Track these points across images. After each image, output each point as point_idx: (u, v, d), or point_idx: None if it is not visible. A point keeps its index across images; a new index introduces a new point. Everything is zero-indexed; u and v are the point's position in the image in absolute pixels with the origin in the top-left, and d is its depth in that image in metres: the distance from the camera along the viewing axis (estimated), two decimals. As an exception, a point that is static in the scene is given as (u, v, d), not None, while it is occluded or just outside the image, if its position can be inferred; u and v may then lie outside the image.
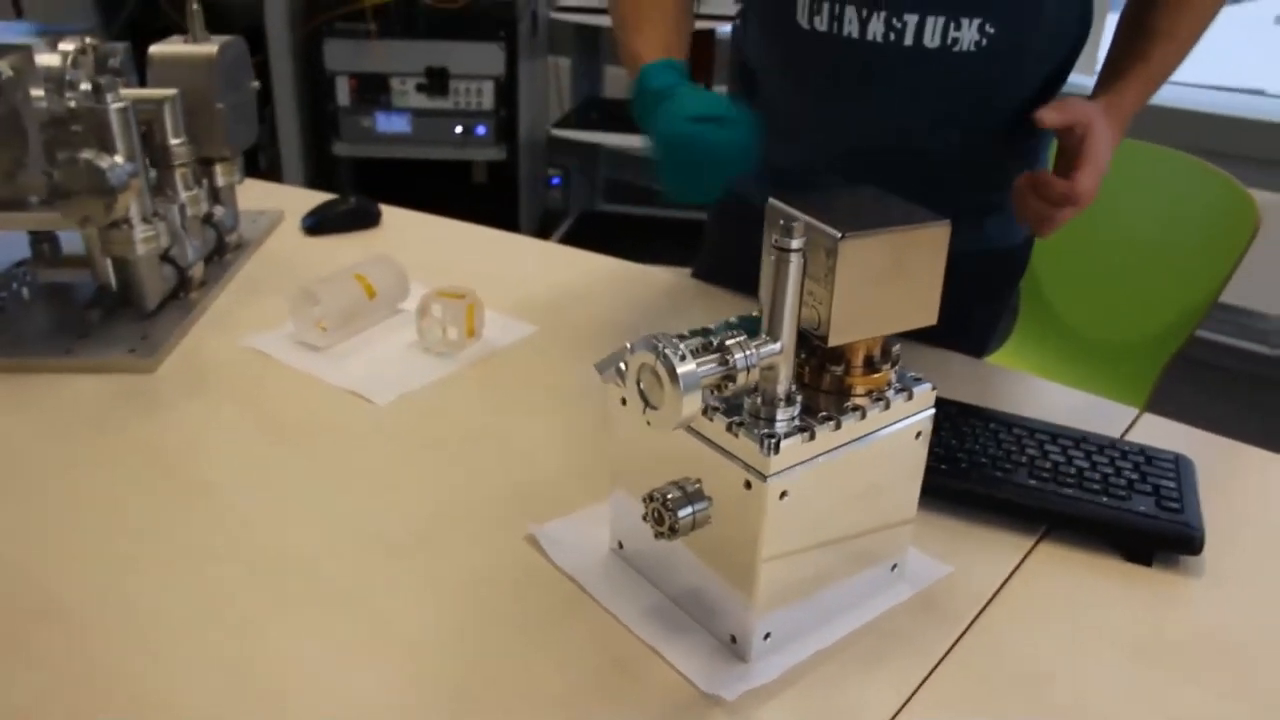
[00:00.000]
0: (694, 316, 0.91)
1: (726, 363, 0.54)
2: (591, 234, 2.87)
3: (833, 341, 0.57)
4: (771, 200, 0.59)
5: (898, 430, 0.62)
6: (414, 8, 2.45)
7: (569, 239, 2.82)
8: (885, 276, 0.58)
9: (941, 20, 0.93)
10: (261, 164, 2.71)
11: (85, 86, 1.01)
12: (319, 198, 1.37)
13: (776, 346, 0.56)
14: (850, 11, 0.95)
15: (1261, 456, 0.86)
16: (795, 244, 0.54)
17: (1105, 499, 0.73)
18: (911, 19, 0.93)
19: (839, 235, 0.55)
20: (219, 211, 1.17)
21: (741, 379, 0.55)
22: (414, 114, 2.58)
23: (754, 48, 1.11)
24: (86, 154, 0.93)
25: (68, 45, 1.02)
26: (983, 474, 0.76)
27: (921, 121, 1.00)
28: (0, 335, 1.00)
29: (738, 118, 0.84)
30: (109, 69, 1.08)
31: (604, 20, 2.62)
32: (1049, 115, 0.90)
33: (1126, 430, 0.89)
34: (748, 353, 0.54)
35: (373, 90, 2.57)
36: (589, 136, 2.60)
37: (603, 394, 0.65)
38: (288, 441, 0.83)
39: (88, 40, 1.05)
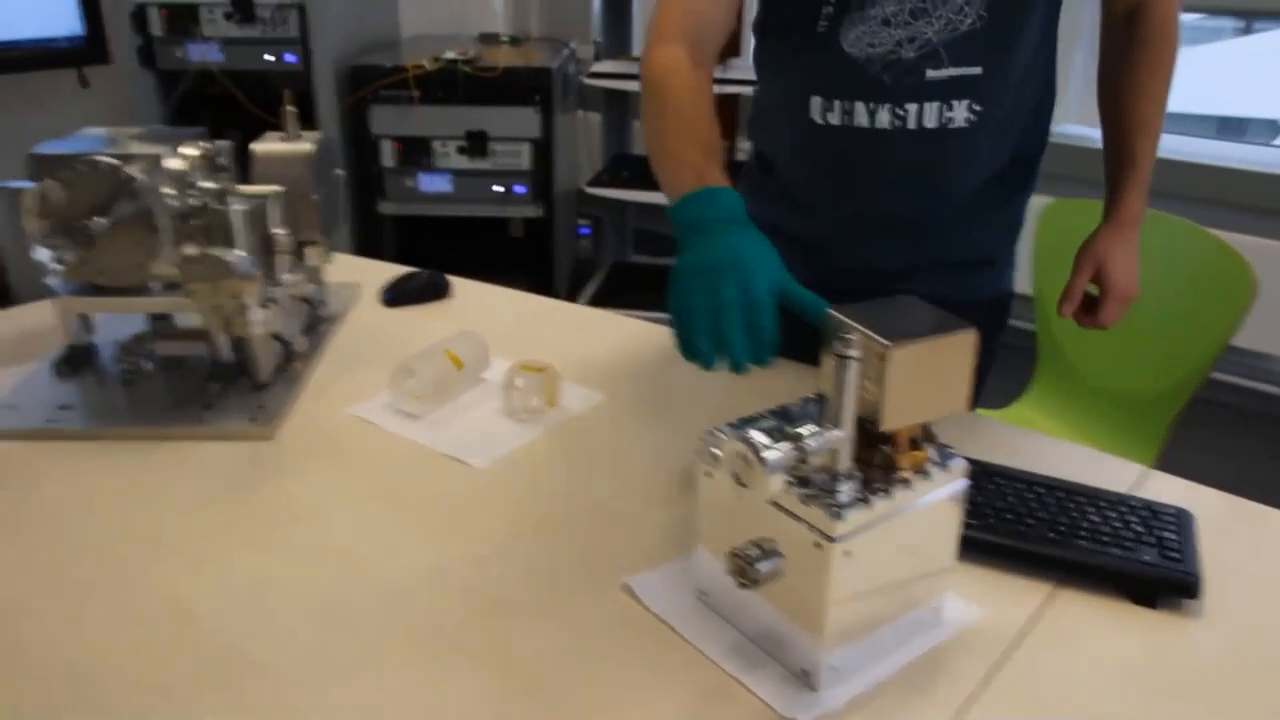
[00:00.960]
0: (736, 384, 1.03)
1: (801, 449, 0.66)
2: (624, 285, 3.00)
3: (884, 428, 0.70)
4: (830, 310, 0.72)
5: (938, 497, 0.74)
6: (454, 75, 2.60)
7: (603, 290, 2.96)
8: (926, 375, 0.70)
9: (937, 105, 1.09)
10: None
11: (205, 184, 1.15)
12: (392, 270, 1.51)
13: (839, 434, 0.68)
14: (860, 107, 1.11)
15: (1256, 510, 0.97)
16: (854, 353, 0.66)
17: (1115, 550, 0.85)
18: (912, 107, 1.09)
19: (889, 345, 0.67)
20: (313, 289, 1.31)
21: (813, 461, 0.67)
22: (454, 174, 2.73)
23: (771, 141, 1.27)
24: (215, 251, 1.07)
25: (188, 150, 1.16)
26: (1009, 529, 0.88)
27: (922, 191, 1.16)
28: (135, 404, 1.13)
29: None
30: (218, 166, 1.22)
31: (632, 85, 2.78)
32: (1065, 308, 1.15)
33: (1135, 486, 1.01)
34: (818, 440, 0.67)
35: (415, 152, 2.72)
36: (621, 194, 2.74)
37: (672, 459, 0.77)
38: (399, 502, 0.96)
39: (203, 144, 1.19)
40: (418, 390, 1.11)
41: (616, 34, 2.96)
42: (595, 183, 2.79)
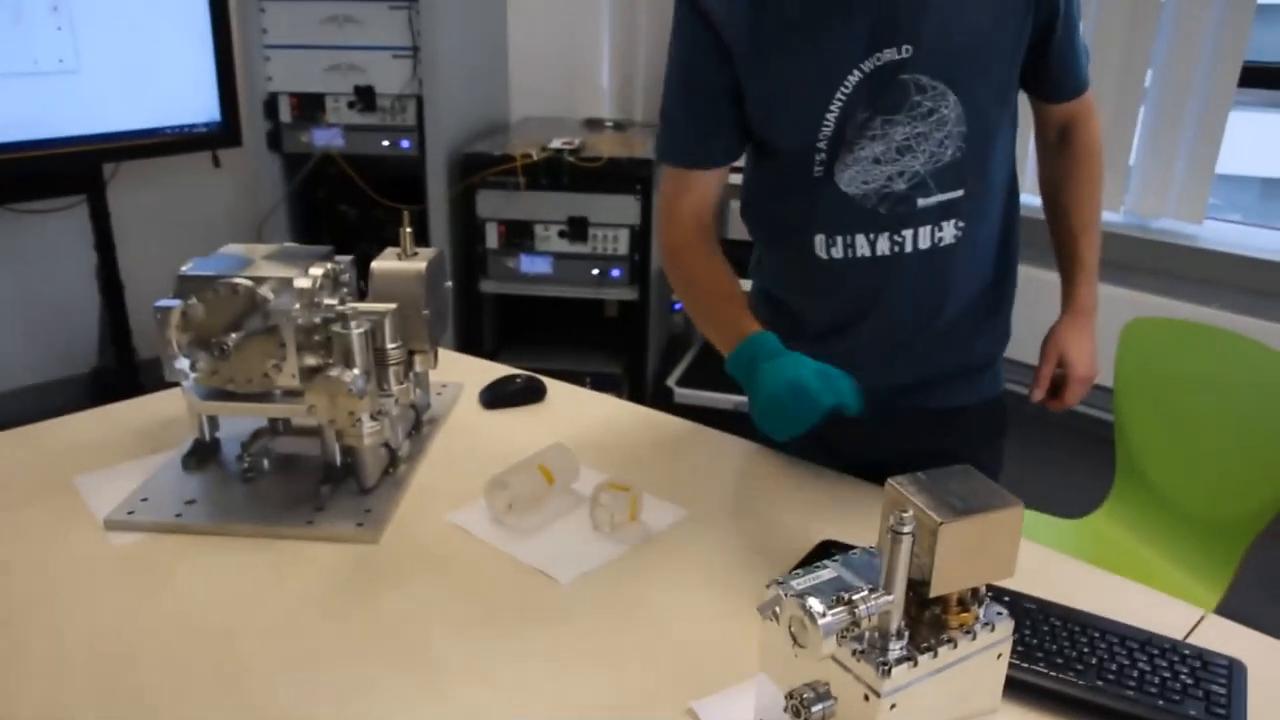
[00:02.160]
0: (812, 503, 1.09)
1: (854, 613, 0.72)
2: (714, 364, 3.07)
3: (933, 594, 0.75)
4: (891, 482, 0.78)
5: (983, 654, 0.79)
6: (559, 164, 2.74)
7: (694, 368, 3.03)
8: (975, 547, 0.75)
9: (929, 227, 1.22)
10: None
11: (329, 301, 1.27)
12: (492, 369, 1.61)
13: (890, 598, 0.74)
14: (861, 239, 1.23)
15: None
16: (906, 529, 0.72)
17: (1161, 702, 0.88)
18: (908, 232, 1.22)
19: (940, 521, 0.73)
20: (418, 395, 1.42)
21: (865, 623, 0.73)
22: (555, 257, 2.85)
23: (774, 278, 1.37)
24: (334, 371, 1.18)
25: (315, 270, 1.28)
26: (1060, 673, 0.92)
27: (923, 306, 1.26)
28: (253, 502, 1.25)
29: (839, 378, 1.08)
30: (340, 282, 1.34)
31: (733, 178, 2.87)
32: (1035, 394, 1.32)
33: (1190, 632, 1.03)
34: (869, 605, 0.73)
35: (518, 235, 2.86)
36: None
37: (748, 578, 0.83)
38: (490, 614, 1.04)
39: (328, 263, 1.31)
40: (512, 503, 1.19)
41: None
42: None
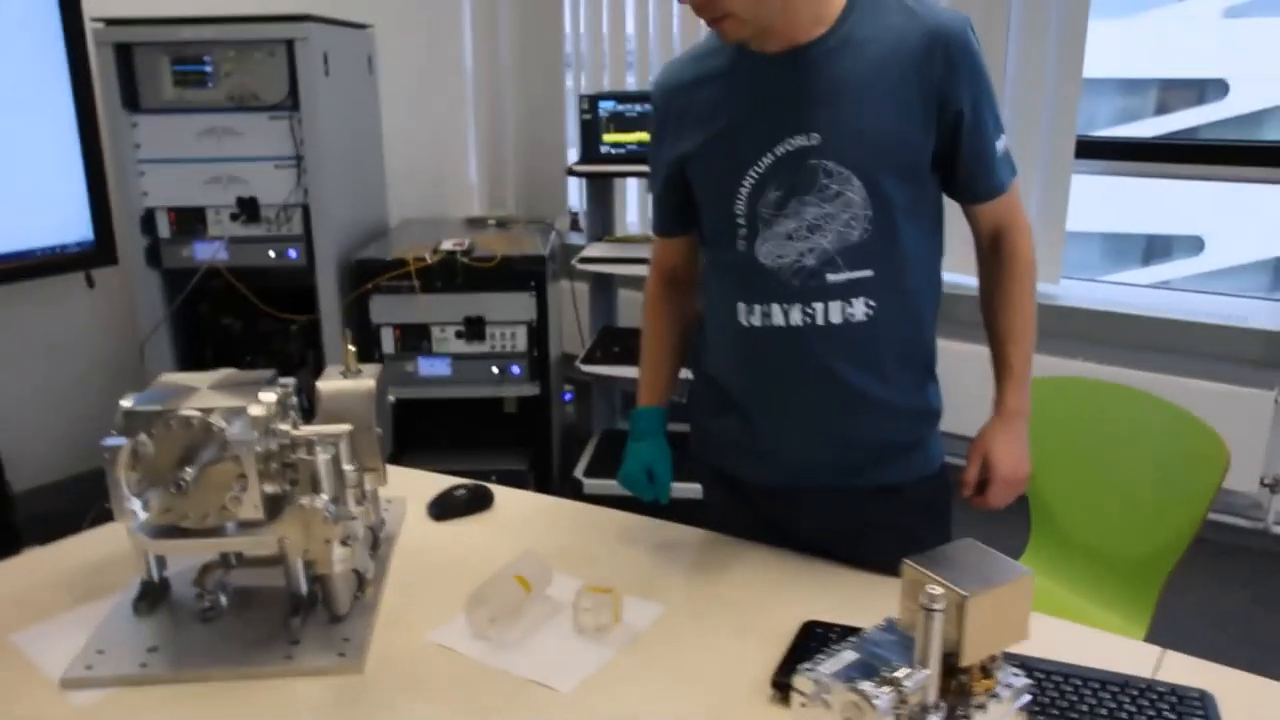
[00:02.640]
0: (777, 586, 1.13)
1: (900, 691, 0.76)
2: (617, 453, 3.09)
3: (964, 663, 0.80)
4: (907, 563, 0.83)
5: (1006, 713, 0.84)
6: (454, 266, 2.75)
7: (596, 460, 3.05)
8: (996, 616, 0.81)
9: (839, 303, 1.31)
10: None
11: (282, 427, 1.25)
12: (433, 480, 1.60)
13: (928, 673, 0.78)
14: (776, 308, 1.33)
15: (1269, 687, 1.08)
16: (938, 606, 0.77)
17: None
18: (819, 305, 1.31)
19: (966, 595, 0.78)
20: (373, 515, 1.40)
21: (910, 700, 0.77)
22: (453, 358, 2.85)
23: (710, 352, 1.47)
24: (304, 499, 1.16)
25: (268, 396, 1.26)
26: None
27: (839, 381, 1.33)
28: (220, 642, 1.20)
29: (663, 471, 1.48)
30: (288, 406, 1.32)
31: (619, 268, 2.95)
32: (963, 491, 1.39)
33: (1156, 668, 1.11)
34: (913, 682, 0.77)
35: (415, 338, 2.84)
36: (615, 370, 2.87)
37: (738, 667, 0.86)
38: (496, 733, 1.03)
39: (278, 390, 1.29)
40: (493, 617, 1.19)
41: (600, 216, 3.14)
42: (589, 359, 2.92)
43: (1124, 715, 0.99)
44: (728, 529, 1.49)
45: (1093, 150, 2.99)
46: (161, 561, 1.32)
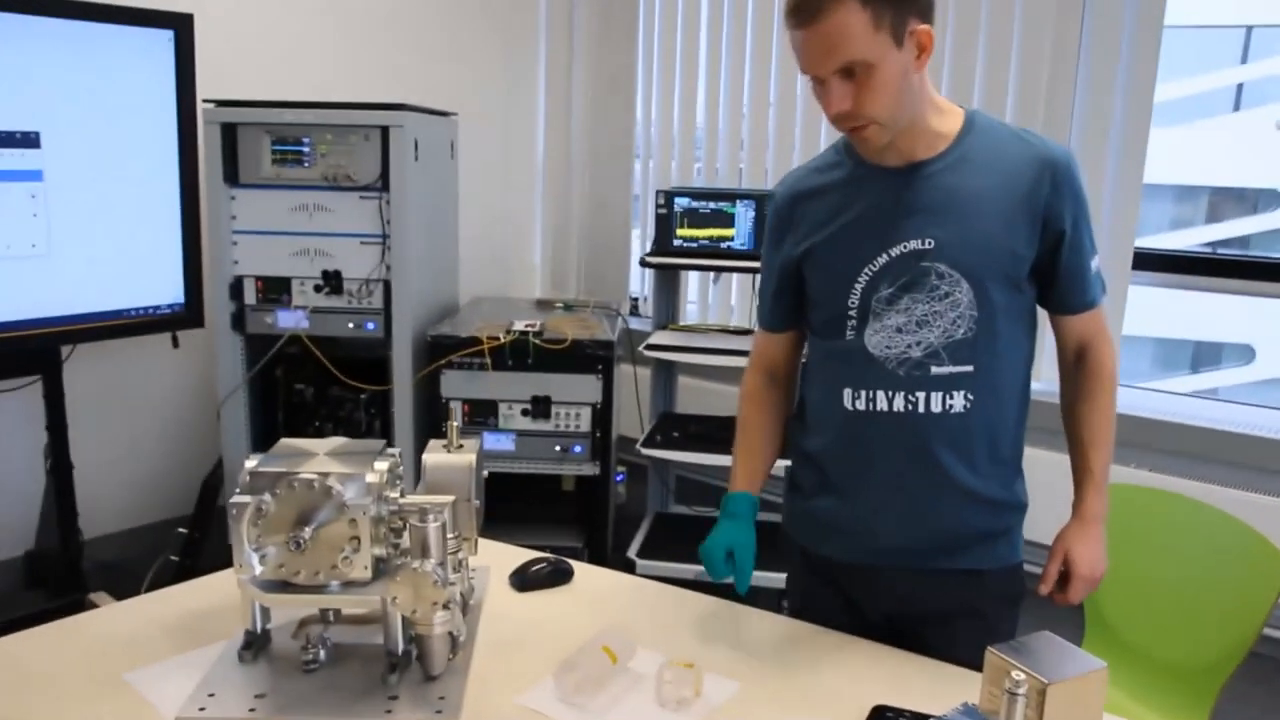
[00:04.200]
0: (841, 662, 1.19)
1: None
2: (668, 536, 3.17)
3: (1045, 749, 0.86)
4: (991, 650, 0.90)
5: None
6: (525, 346, 2.87)
7: (650, 540, 3.11)
8: (1073, 703, 0.87)
9: (940, 394, 1.41)
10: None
11: (392, 494, 1.34)
12: (514, 553, 1.68)
13: (1012, 755, 0.85)
14: (880, 395, 1.44)
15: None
16: (1021, 691, 0.84)
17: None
18: (921, 394, 1.42)
19: (1048, 683, 0.85)
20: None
21: (995, 781, 0.83)
22: (518, 434, 2.95)
23: (810, 434, 1.56)
24: (415, 563, 1.25)
25: (382, 464, 1.36)
26: None
27: (932, 467, 1.43)
28: (323, 692, 1.27)
29: (744, 557, 1.47)
30: (397, 473, 1.42)
31: (683, 357, 3.04)
32: (1041, 588, 1.46)
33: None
34: (998, 763, 0.83)
35: (483, 413, 2.95)
36: (674, 455, 2.96)
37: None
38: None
39: (390, 460, 1.39)
40: (581, 684, 1.26)
41: (666, 305, 3.25)
42: (649, 443, 3.01)
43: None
44: (809, 608, 1.57)
45: (1146, 263, 3.07)
46: (266, 614, 1.40)
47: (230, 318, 2.94)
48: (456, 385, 2.94)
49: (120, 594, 2.90)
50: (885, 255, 1.41)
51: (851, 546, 1.51)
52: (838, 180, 1.48)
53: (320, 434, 3.22)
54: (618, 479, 3.70)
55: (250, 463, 1.33)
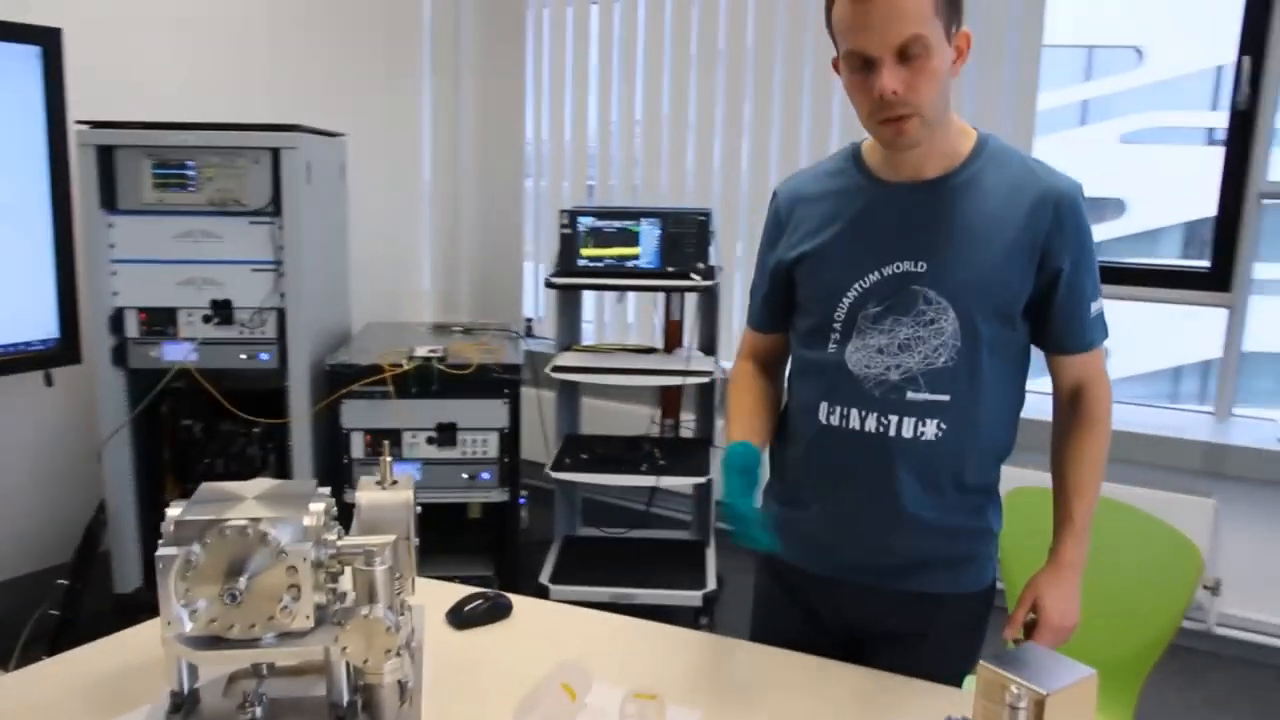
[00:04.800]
0: (798, 685, 1.18)
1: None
2: (579, 560, 3.13)
3: (1041, 761, 0.87)
4: (983, 664, 0.90)
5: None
6: (429, 373, 2.79)
7: (561, 565, 3.06)
8: (1067, 711, 0.88)
9: (913, 420, 1.40)
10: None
11: (329, 537, 1.27)
12: (449, 590, 1.62)
13: (1013, 771, 0.85)
14: (854, 412, 1.43)
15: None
16: (1022, 704, 0.84)
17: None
18: (894, 418, 1.40)
19: (1046, 693, 0.86)
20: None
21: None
22: (424, 463, 2.86)
23: (784, 445, 1.56)
24: (364, 610, 1.18)
25: (317, 506, 1.28)
26: None
27: (899, 491, 1.42)
28: (265, 759, 1.19)
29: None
30: (331, 514, 1.34)
31: (590, 378, 3.02)
32: (1007, 632, 1.44)
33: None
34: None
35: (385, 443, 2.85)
36: (583, 477, 2.92)
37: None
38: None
39: (326, 499, 1.31)
40: (542, 724, 1.21)
41: (568, 326, 3.22)
42: (558, 466, 2.96)
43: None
44: (769, 616, 1.58)
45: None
46: (194, 672, 1.31)
47: (111, 352, 2.77)
48: (358, 415, 2.84)
49: (-4, 652, 2.70)
50: (877, 273, 1.40)
51: (814, 558, 1.52)
52: (841, 188, 1.47)
53: (210, 472, 3.06)
54: (520, 501, 3.64)
55: (174, 511, 1.25)
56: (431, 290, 4.39)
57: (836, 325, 1.43)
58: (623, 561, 3.08)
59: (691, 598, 2.82)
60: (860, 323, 1.42)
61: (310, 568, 1.21)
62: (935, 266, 1.37)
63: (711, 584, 2.89)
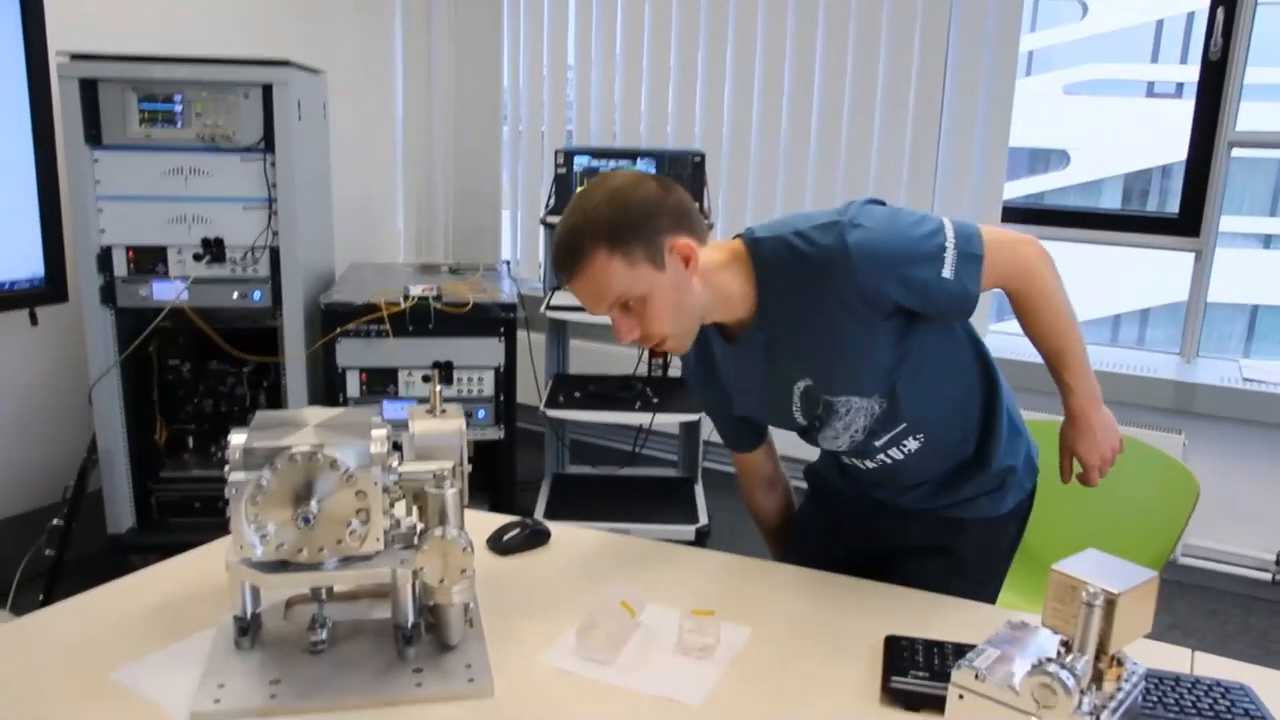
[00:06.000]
0: (833, 599, 1.26)
1: (1077, 677, 0.90)
2: (570, 495, 3.18)
3: (1111, 650, 0.94)
4: (1055, 569, 0.97)
5: (1136, 698, 0.98)
6: (426, 311, 2.80)
7: (554, 501, 3.11)
8: (1135, 610, 0.95)
9: (894, 449, 1.56)
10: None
11: (393, 463, 1.30)
12: (488, 519, 1.66)
13: (1087, 658, 0.92)
14: (853, 462, 1.63)
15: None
16: (1098, 602, 0.91)
17: (1229, 728, 1.12)
18: (880, 456, 1.58)
19: (1118, 593, 0.93)
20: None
21: (1081, 682, 0.90)
22: (419, 402, 2.87)
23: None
24: (438, 531, 1.22)
25: (380, 432, 1.31)
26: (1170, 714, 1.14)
27: (915, 483, 1.62)
28: (341, 673, 1.23)
29: None
30: (395, 442, 1.37)
31: (578, 315, 3.04)
32: (1064, 478, 1.59)
33: (1190, 665, 1.29)
34: (1081, 667, 0.90)
35: (381, 382, 2.86)
36: (576, 415, 2.96)
37: (835, 680, 0.98)
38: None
39: (386, 426, 1.34)
40: (604, 641, 1.26)
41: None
42: (551, 404, 3.00)
43: (1185, 704, 1.15)
44: (806, 529, 1.77)
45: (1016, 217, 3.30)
46: (256, 597, 1.34)
47: (99, 291, 2.72)
48: (353, 354, 2.84)
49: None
50: (794, 396, 1.52)
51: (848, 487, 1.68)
52: (722, 354, 1.57)
53: (200, 412, 3.05)
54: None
55: (238, 438, 1.26)
56: (405, 232, 4.36)
57: (798, 429, 1.60)
58: (614, 497, 3.14)
59: (684, 532, 2.89)
60: (813, 425, 1.57)
61: (379, 491, 1.24)
62: (817, 380, 1.49)
63: (703, 519, 2.96)
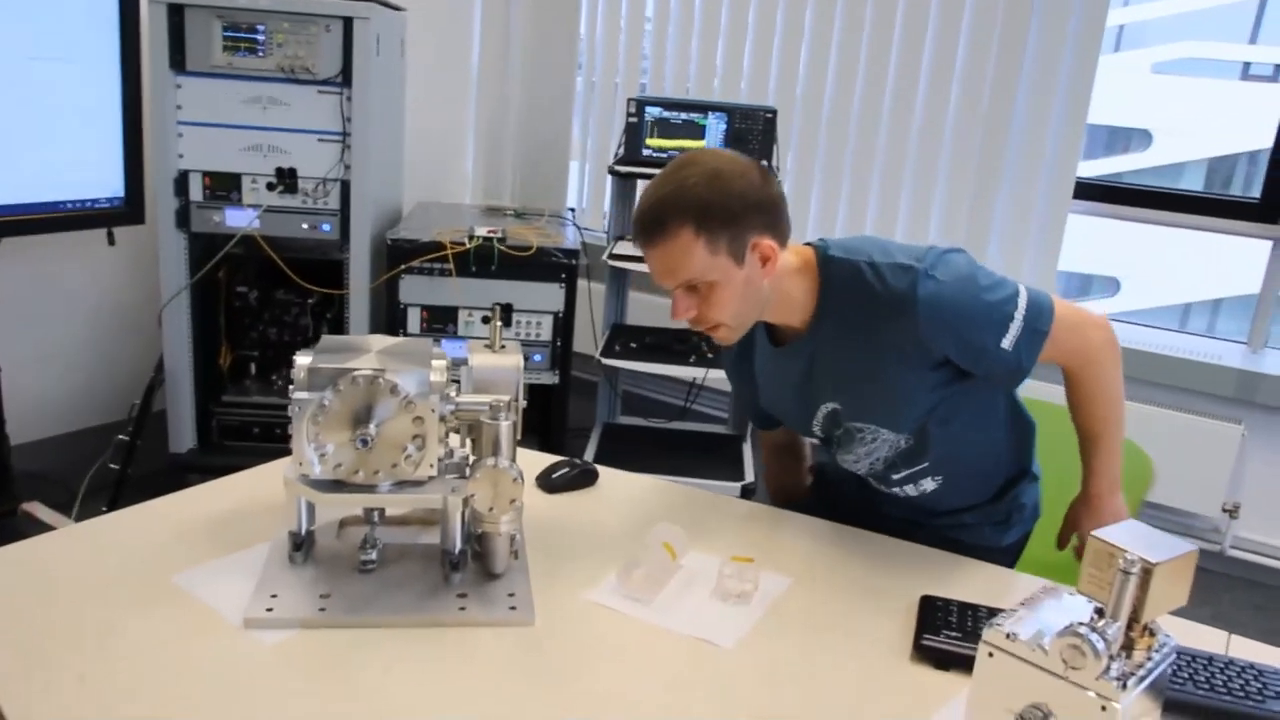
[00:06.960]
0: (872, 558, 1.27)
1: (1107, 642, 0.91)
2: (620, 444, 3.21)
3: (1144, 619, 0.95)
4: (1094, 536, 0.97)
5: (1167, 670, 0.99)
6: (490, 252, 2.84)
7: (603, 449, 3.15)
8: (1171, 581, 0.96)
9: (910, 485, 1.59)
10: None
11: (451, 393, 1.33)
12: (536, 458, 1.69)
13: (1119, 625, 0.93)
14: (870, 482, 1.63)
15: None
16: (1135, 570, 0.92)
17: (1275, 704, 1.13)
18: (895, 488, 1.60)
19: (1156, 562, 0.93)
20: (506, 480, 1.49)
21: (1111, 647, 0.91)
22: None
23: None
24: (490, 460, 1.25)
25: (440, 363, 1.34)
26: (1204, 695, 1.15)
27: (930, 513, 1.63)
28: (388, 592, 1.28)
29: None
30: (455, 373, 1.40)
31: (639, 266, 3.05)
32: (1060, 547, 1.61)
33: (1226, 648, 1.28)
34: (1112, 631, 0.91)
35: (442, 320, 2.91)
36: (631, 364, 2.98)
37: (876, 630, 1.00)
38: (671, 686, 1.14)
39: (445, 358, 1.37)
40: (645, 580, 1.30)
41: (625, 215, 3.24)
42: (607, 353, 3.03)
43: (1216, 683, 1.16)
44: (825, 496, 1.77)
45: (1089, 192, 3.22)
46: (311, 514, 1.39)
47: (175, 215, 2.80)
48: (416, 291, 2.89)
49: (52, 503, 2.79)
50: (819, 413, 1.55)
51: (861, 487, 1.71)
52: (761, 354, 1.60)
53: (265, 339, 3.13)
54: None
55: (303, 359, 1.30)
56: (473, 174, 4.39)
57: (818, 441, 1.64)
58: (662, 449, 3.17)
59: (730, 489, 2.91)
60: (835, 443, 1.58)
61: (436, 419, 1.28)
62: (846, 405, 1.51)
63: (750, 476, 2.98)
